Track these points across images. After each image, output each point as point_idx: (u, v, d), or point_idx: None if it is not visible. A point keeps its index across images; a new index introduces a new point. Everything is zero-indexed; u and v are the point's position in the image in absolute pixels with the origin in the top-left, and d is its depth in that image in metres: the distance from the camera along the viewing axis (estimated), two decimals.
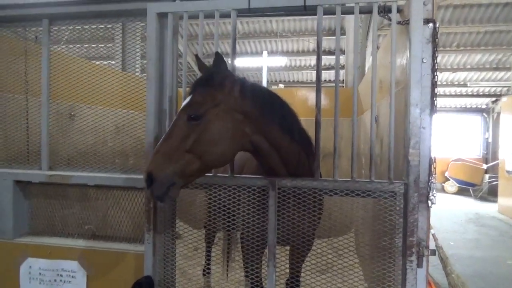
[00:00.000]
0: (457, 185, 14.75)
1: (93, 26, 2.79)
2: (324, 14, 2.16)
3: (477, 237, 8.03)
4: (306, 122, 2.42)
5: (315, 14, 2.16)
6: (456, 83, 14.74)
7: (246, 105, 2.06)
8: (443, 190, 14.86)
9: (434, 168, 1.99)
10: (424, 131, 1.98)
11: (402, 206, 2.01)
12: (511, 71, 13.12)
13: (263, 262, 2.48)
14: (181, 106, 2.04)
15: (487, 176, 14.39)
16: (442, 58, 12.73)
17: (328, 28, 12.71)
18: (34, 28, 2.89)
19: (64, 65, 2.88)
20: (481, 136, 16.36)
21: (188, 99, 2.04)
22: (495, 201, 11.97)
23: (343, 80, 10.13)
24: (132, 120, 2.79)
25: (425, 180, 1.98)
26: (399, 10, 2.13)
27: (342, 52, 10.67)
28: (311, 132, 2.36)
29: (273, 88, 9.97)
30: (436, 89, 1.98)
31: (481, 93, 15.52)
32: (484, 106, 16.27)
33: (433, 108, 1.98)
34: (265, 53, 11.56)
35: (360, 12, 2.13)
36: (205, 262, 3.95)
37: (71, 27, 2.82)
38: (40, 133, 2.82)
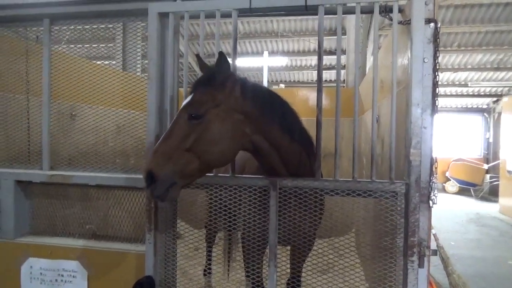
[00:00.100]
0: (458, 185, 14.73)
1: (94, 26, 2.79)
2: (325, 14, 2.16)
3: (478, 237, 8.03)
4: (307, 122, 2.41)
5: (316, 14, 2.15)
6: (457, 83, 14.72)
7: (246, 105, 2.06)
8: (444, 190, 14.85)
9: (436, 168, 1.98)
10: (426, 131, 1.97)
11: (403, 206, 2.01)
12: None
13: (264, 262, 2.48)
14: (182, 105, 2.04)
15: (488, 176, 14.37)
16: (443, 58, 12.71)
17: (329, 28, 12.69)
18: (35, 28, 2.89)
19: (65, 65, 2.88)
20: (482, 136, 16.34)
21: (189, 98, 2.03)
22: (496, 201, 11.97)
23: (344, 80, 10.13)
24: (133, 120, 2.79)
25: (426, 180, 1.98)
26: (400, 10, 2.13)
27: (343, 52, 10.67)
28: (312, 132, 2.36)
29: (274, 88, 9.96)
30: (437, 89, 1.98)
31: (482, 93, 15.49)
32: (485, 106, 16.24)
33: (434, 108, 1.98)
34: (266, 53, 11.55)
35: (362, 12, 2.13)
36: (206, 262, 3.95)
37: (72, 27, 2.82)
38: (41, 133, 2.82)
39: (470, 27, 11.51)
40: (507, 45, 12.13)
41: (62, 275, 2.64)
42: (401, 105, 2.13)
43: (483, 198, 13.73)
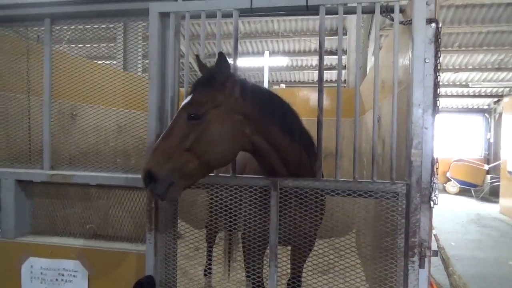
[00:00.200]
0: (459, 185, 14.71)
1: (95, 26, 2.79)
2: (326, 14, 2.15)
3: (479, 238, 8.02)
4: (308, 122, 2.41)
5: (317, 14, 2.15)
6: (458, 83, 14.70)
7: (246, 106, 2.06)
8: (444, 190, 14.84)
9: (437, 168, 1.98)
10: (427, 132, 1.97)
11: (404, 206, 2.01)
12: None
13: (265, 262, 2.48)
14: (182, 105, 2.04)
15: (488, 176, 14.36)
16: (444, 59, 12.70)
17: (330, 28, 12.69)
18: (36, 27, 2.89)
19: (66, 64, 2.88)
20: (483, 136, 16.32)
21: (188, 98, 2.03)
22: (497, 202, 11.95)
23: (345, 80, 10.12)
24: (134, 120, 2.79)
25: (427, 180, 1.97)
26: (401, 10, 2.12)
27: (344, 52, 10.66)
28: (312, 132, 2.35)
29: (275, 88, 9.96)
30: (438, 89, 1.97)
31: (483, 94, 15.47)
32: (486, 107, 16.22)
33: (435, 109, 1.97)
34: (266, 53, 11.55)
35: (363, 12, 2.13)
36: (207, 262, 3.95)
37: (73, 27, 2.82)
38: (42, 132, 2.82)
39: (471, 27, 11.50)
40: (508, 45, 12.11)
41: (63, 275, 2.64)
42: (402, 105, 2.13)
43: (484, 199, 13.72)
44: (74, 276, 2.63)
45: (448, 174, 14.96)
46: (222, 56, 1.98)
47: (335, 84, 2.22)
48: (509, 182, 10.71)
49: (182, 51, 2.45)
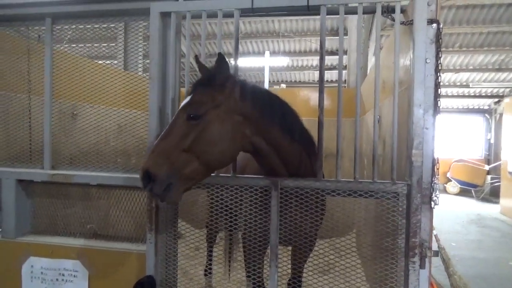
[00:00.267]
0: (459, 186, 14.71)
1: (96, 26, 2.79)
2: (327, 14, 2.15)
3: (479, 238, 8.02)
4: (308, 122, 2.41)
5: (318, 14, 2.15)
6: (459, 84, 14.69)
7: (246, 107, 2.05)
8: (445, 191, 14.83)
9: (437, 169, 1.98)
10: (428, 132, 1.97)
11: (405, 207, 2.01)
12: None
13: (265, 262, 2.48)
14: (181, 105, 2.04)
15: (489, 177, 14.35)
16: (444, 59, 12.68)
17: (331, 28, 12.69)
18: (37, 27, 2.89)
19: (67, 64, 2.88)
20: (483, 137, 16.31)
21: (188, 99, 2.03)
22: (497, 202, 11.94)
23: (345, 81, 10.12)
24: (135, 120, 2.79)
25: (428, 181, 1.97)
26: (402, 11, 2.12)
27: (345, 52, 10.66)
28: (313, 133, 2.35)
29: (275, 88, 9.95)
30: (439, 89, 1.97)
31: (483, 94, 15.47)
32: (486, 107, 16.22)
33: (436, 109, 1.97)
34: (267, 53, 11.55)
35: (364, 12, 2.13)
36: (207, 262, 3.95)
37: (73, 27, 2.82)
38: (42, 132, 2.82)
39: (472, 27, 11.50)
40: (509, 46, 12.11)
41: (63, 275, 2.64)
42: (403, 105, 2.13)
43: (484, 199, 13.71)
44: (74, 276, 2.63)
45: (448, 175, 14.95)
46: (221, 57, 1.98)
47: (336, 84, 2.21)
48: (510, 183, 10.71)
49: (183, 51, 2.45)
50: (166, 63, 2.40)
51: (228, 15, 2.29)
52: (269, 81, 10.97)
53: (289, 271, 2.68)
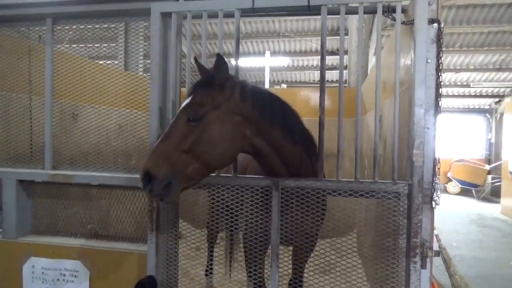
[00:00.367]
0: (460, 186, 14.70)
1: (96, 26, 2.79)
2: (328, 14, 2.15)
3: (480, 238, 8.01)
4: (309, 122, 2.41)
5: (319, 14, 2.15)
6: (459, 83, 14.69)
7: (246, 108, 2.05)
8: (445, 191, 14.82)
9: (438, 169, 1.98)
10: (429, 132, 1.97)
11: (406, 207, 2.01)
12: None
13: (266, 262, 2.48)
14: (181, 107, 2.04)
15: (490, 177, 14.34)
16: (445, 59, 12.61)
17: (331, 28, 12.69)
18: (38, 27, 2.90)
19: (67, 64, 2.88)
20: (484, 136, 16.31)
21: (188, 100, 2.03)
22: (498, 202, 11.94)
23: (346, 81, 10.12)
24: (135, 120, 2.79)
25: (429, 180, 1.97)
26: (403, 10, 2.12)
27: (345, 52, 10.65)
28: (314, 133, 2.35)
29: (276, 88, 9.95)
30: (440, 89, 1.97)
31: (484, 94, 15.47)
32: (487, 107, 16.22)
33: (437, 109, 1.97)
34: (267, 53, 11.56)
35: (365, 12, 2.13)
36: (208, 262, 3.95)
37: (74, 27, 2.82)
38: (43, 132, 2.82)
39: (473, 27, 11.49)
40: (510, 45, 12.11)
41: (64, 275, 2.65)
42: (404, 105, 2.12)
43: (485, 199, 13.71)
44: (75, 276, 2.63)
45: (449, 174, 14.95)
46: (220, 58, 1.98)
47: (336, 84, 2.21)
48: (510, 182, 10.70)
49: (184, 51, 2.45)
50: (166, 63, 2.40)
51: (229, 15, 2.29)
52: (270, 81, 10.98)
53: (290, 271, 2.68)
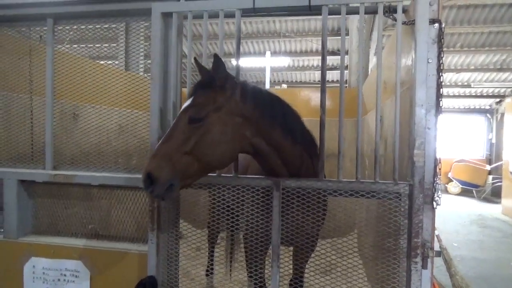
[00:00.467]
0: (461, 186, 14.68)
1: (97, 26, 2.79)
2: (329, 14, 2.15)
3: (481, 239, 8.00)
4: (309, 122, 2.41)
5: (320, 14, 2.15)
6: (460, 84, 14.68)
7: (247, 109, 2.06)
8: (446, 191, 14.80)
9: (439, 169, 1.97)
10: (429, 132, 1.96)
11: (407, 207, 2.00)
12: None
13: (266, 262, 2.48)
14: (182, 108, 2.04)
15: (490, 177, 14.32)
16: (445, 59, 12.62)
17: (332, 28, 12.68)
18: (39, 27, 2.90)
19: (68, 64, 2.88)
20: (484, 137, 16.30)
21: (189, 101, 2.03)
22: (499, 203, 11.91)
23: (346, 81, 10.11)
24: (136, 120, 2.79)
25: (430, 181, 1.97)
26: (404, 10, 2.12)
27: (346, 52, 10.64)
28: (315, 133, 2.35)
29: (276, 88, 9.95)
30: (441, 89, 1.97)
31: (485, 94, 15.45)
32: (487, 107, 16.20)
33: (438, 109, 1.97)
34: (268, 53, 11.56)
35: (365, 13, 2.12)
36: (208, 262, 3.95)
37: (75, 27, 2.83)
38: (44, 132, 2.82)
39: (473, 27, 11.47)
40: (510, 46, 12.09)
41: (65, 275, 2.65)
42: (405, 105, 2.12)
43: (486, 199, 13.69)
44: (76, 276, 2.63)
45: (449, 175, 14.93)
46: (217, 59, 1.98)
47: (337, 84, 2.22)
48: (511, 183, 10.68)
49: (184, 51, 2.45)
50: (167, 63, 2.40)
51: (230, 15, 2.29)
52: (270, 81, 10.98)
53: (291, 271, 2.67)
